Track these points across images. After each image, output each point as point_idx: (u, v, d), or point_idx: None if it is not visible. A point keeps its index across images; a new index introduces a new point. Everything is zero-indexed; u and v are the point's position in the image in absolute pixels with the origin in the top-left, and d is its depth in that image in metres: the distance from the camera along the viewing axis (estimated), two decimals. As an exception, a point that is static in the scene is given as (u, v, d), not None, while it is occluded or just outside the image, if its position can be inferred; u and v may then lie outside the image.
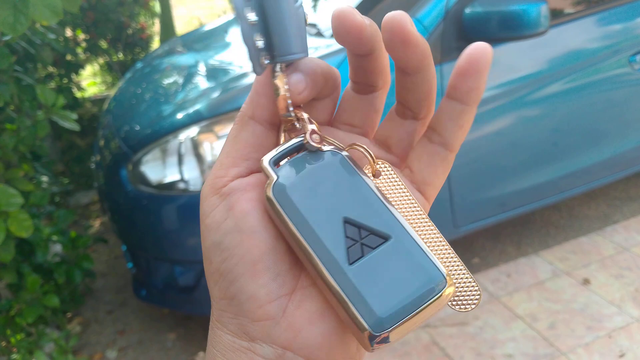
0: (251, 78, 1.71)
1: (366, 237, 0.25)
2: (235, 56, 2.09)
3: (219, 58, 2.14)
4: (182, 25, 6.51)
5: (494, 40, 1.69)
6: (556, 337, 1.76)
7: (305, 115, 0.28)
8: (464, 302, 0.27)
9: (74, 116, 1.65)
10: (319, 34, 1.94)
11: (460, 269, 0.27)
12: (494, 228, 2.31)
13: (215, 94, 1.71)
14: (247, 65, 1.85)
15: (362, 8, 1.91)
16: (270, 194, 0.26)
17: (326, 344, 0.25)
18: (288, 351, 0.25)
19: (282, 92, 0.26)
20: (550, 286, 1.99)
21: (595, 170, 2.12)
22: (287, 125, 0.28)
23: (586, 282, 1.99)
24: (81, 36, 3.44)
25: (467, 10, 1.64)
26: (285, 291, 0.26)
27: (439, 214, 1.82)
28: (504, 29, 1.59)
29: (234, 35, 2.33)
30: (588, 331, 1.77)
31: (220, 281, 0.26)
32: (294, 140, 0.28)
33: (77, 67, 3.15)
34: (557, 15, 1.85)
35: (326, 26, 1.98)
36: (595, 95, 1.96)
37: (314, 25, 2.03)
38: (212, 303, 0.27)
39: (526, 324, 1.82)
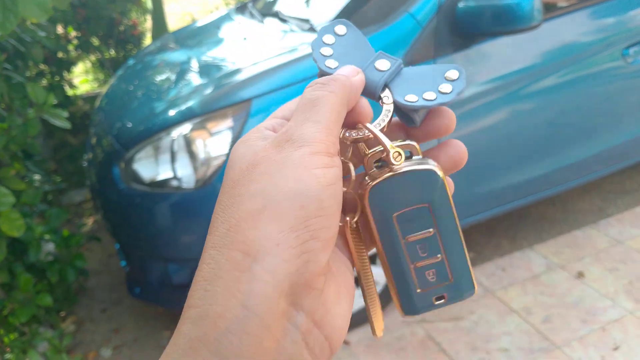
0: (245, 74, 1.70)
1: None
2: (228, 52, 2.08)
3: (211, 54, 2.13)
4: (175, 21, 6.48)
5: (487, 35, 1.68)
6: (551, 331, 1.76)
7: (379, 135, 0.32)
8: (377, 327, 0.35)
9: (65, 114, 1.64)
10: (312, 29, 1.93)
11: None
12: (489, 222, 2.32)
13: (208, 91, 1.69)
14: (239, 61, 1.84)
15: (354, 3, 1.91)
16: (366, 199, 0.32)
17: (344, 326, 0.29)
18: (315, 328, 0.27)
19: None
20: (544, 280, 1.99)
21: (589, 163, 2.12)
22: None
23: (580, 275, 2.00)
24: (72, 33, 3.42)
25: (461, 5, 1.63)
26: (329, 267, 0.28)
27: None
28: (497, 23, 1.59)
29: (227, 31, 2.32)
30: (583, 324, 1.78)
31: (300, 231, 0.25)
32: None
33: (68, 64, 3.13)
34: (550, 9, 1.85)
35: (319, 22, 1.97)
36: (588, 88, 1.96)
37: (306, 21, 2.02)
38: (264, 248, 0.25)
39: (521, 317, 1.83)
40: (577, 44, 1.88)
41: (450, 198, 0.32)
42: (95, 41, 3.50)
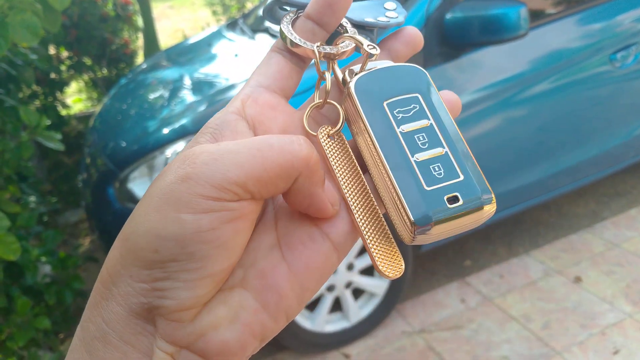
0: (239, 89, 1.71)
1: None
2: (220, 69, 2.09)
3: (204, 71, 2.14)
4: (166, 38, 6.51)
5: (475, 45, 1.70)
6: (550, 337, 1.76)
7: (355, 35, 0.31)
8: (389, 267, 0.28)
9: (59, 136, 1.64)
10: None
11: (390, 240, 0.29)
12: (485, 229, 2.32)
13: (201, 108, 1.70)
14: (231, 78, 1.85)
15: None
16: (352, 87, 0.29)
17: (224, 351, 0.25)
18: (184, 349, 0.24)
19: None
20: (542, 286, 2.00)
21: (583, 167, 2.13)
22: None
23: (578, 280, 2.00)
24: (64, 54, 3.43)
25: (448, 16, 1.65)
26: (207, 299, 0.25)
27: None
28: (485, 33, 1.61)
29: (219, 47, 2.33)
30: (582, 329, 1.78)
31: (154, 270, 0.23)
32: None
33: (61, 84, 3.14)
34: (538, 17, 1.87)
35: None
36: (579, 93, 1.98)
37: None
38: (115, 268, 0.24)
39: (520, 324, 1.83)
40: (566, 50, 1.90)
41: (441, 98, 0.30)
42: (88, 61, 3.51)
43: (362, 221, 0.29)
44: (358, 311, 1.83)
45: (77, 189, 2.84)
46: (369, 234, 0.29)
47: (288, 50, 0.31)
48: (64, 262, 1.84)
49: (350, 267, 1.79)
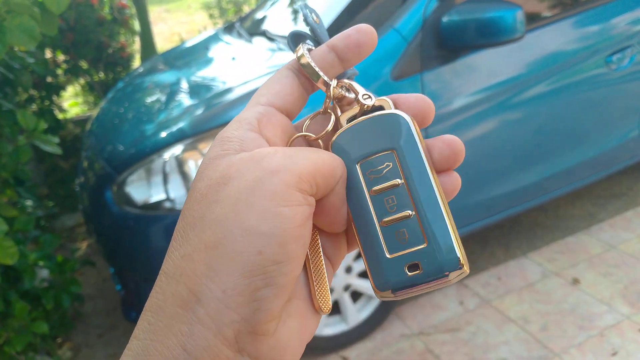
0: (234, 94, 1.71)
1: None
2: (218, 72, 2.09)
3: (201, 74, 2.14)
4: (163, 41, 6.51)
5: (472, 47, 1.71)
6: (549, 339, 1.77)
7: (353, 83, 0.32)
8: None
9: (56, 140, 1.64)
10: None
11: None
12: (482, 232, 2.33)
13: (199, 111, 1.70)
14: (229, 81, 1.85)
15: (340, 20, 1.93)
16: (332, 141, 0.30)
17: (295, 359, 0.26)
18: None
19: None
20: (540, 287, 2.00)
21: (579, 170, 2.14)
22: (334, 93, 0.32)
23: (575, 281, 2.01)
24: (61, 57, 3.42)
25: (445, 19, 1.66)
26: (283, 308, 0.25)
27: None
28: (482, 36, 1.61)
29: (216, 51, 2.33)
30: (580, 331, 1.78)
31: (254, 278, 0.23)
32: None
33: (57, 88, 3.13)
34: (534, 19, 1.88)
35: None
36: (575, 96, 1.99)
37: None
38: (200, 285, 0.23)
39: (519, 326, 1.83)
40: (562, 52, 1.91)
41: (422, 147, 0.29)
42: (84, 64, 3.51)
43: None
44: (356, 314, 1.83)
45: (73, 193, 2.83)
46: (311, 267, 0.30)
47: (302, 73, 0.32)
48: (61, 266, 1.83)
49: (348, 269, 1.79)
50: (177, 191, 1.57)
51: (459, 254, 0.27)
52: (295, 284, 0.27)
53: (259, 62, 1.98)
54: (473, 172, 1.87)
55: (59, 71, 3.41)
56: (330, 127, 0.32)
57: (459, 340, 1.80)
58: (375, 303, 1.85)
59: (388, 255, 0.27)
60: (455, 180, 0.30)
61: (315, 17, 0.34)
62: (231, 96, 1.70)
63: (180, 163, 1.59)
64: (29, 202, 1.99)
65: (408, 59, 1.67)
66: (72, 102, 4.42)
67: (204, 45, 2.51)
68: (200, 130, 1.61)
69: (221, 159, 0.26)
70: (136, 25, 4.12)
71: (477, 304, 1.95)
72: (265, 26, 2.31)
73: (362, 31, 0.30)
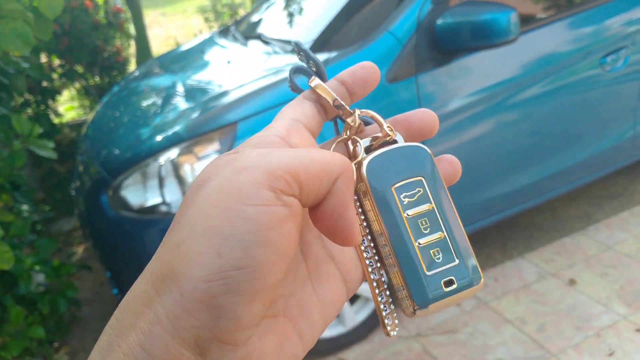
0: (230, 97, 1.71)
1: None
2: (213, 76, 2.09)
3: (197, 78, 2.14)
4: (159, 45, 6.51)
5: (466, 50, 1.71)
6: (546, 339, 1.77)
7: (374, 113, 0.33)
8: (392, 326, 0.32)
9: (51, 144, 1.63)
10: (294, 51, 1.94)
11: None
12: (479, 233, 2.33)
13: (195, 115, 1.70)
14: (224, 85, 1.85)
15: (335, 23, 1.93)
16: (363, 169, 0.31)
17: None
18: None
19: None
20: (537, 288, 2.01)
21: (575, 170, 2.15)
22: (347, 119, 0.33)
23: (572, 282, 2.01)
24: (56, 62, 3.42)
25: (439, 22, 1.66)
26: (260, 320, 0.24)
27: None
28: (476, 39, 1.62)
29: (211, 54, 2.34)
30: (577, 331, 1.79)
31: (213, 283, 0.21)
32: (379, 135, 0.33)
33: (53, 93, 3.13)
34: (529, 21, 1.88)
35: (301, 42, 1.99)
36: (570, 97, 2.00)
37: (289, 43, 2.04)
38: (162, 285, 0.22)
39: (516, 327, 1.83)
40: (556, 54, 1.91)
41: (442, 178, 0.32)
42: (80, 69, 3.50)
43: (373, 276, 0.32)
44: (354, 316, 1.83)
45: (70, 197, 2.83)
46: (377, 291, 0.32)
47: (318, 101, 0.33)
48: (57, 270, 1.83)
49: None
50: (172, 195, 1.57)
51: (481, 271, 0.31)
52: (285, 299, 0.26)
53: (254, 65, 1.98)
54: (469, 173, 1.87)
55: (55, 75, 3.40)
56: (361, 152, 0.33)
57: (457, 342, 1.81)
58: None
59: (427, 273, 0.30)
60: (456, 166, 0.34)
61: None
62: (226, 100, 1.70)
63: (175, 167, 1.58)
64: (24, 207, 1.98)
65: (403, 62, 1.67)
66: (68, 106, 4.42)
67: (200, 48, 2.51)
68: (196, 134, 1.60)
69: (217, 161, 0.26)
70: (131, 29, 4.12)
71: (474, 306, 1.96)
72: (260, 29, 2.31)
73: (366, 68, 0.33)
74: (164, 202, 1.57)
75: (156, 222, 1.56)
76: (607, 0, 2.01)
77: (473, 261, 0.31)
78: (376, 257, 0.32)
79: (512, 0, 1.86)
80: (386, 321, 0.32)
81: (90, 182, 1.80)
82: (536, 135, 1.98)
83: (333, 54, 1.71)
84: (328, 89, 0.32)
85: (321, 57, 1.73)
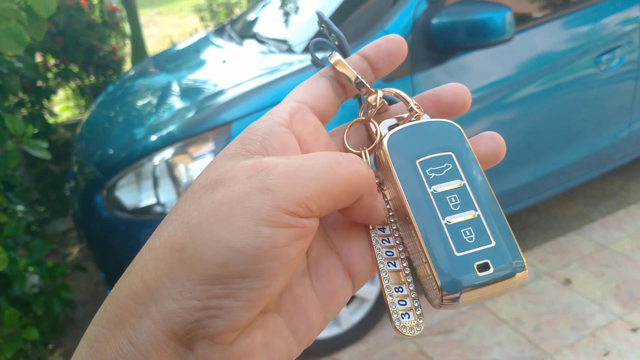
0: (225, 97, 1.70)
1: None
2: (208, 75, 2.08)
3: (192, 77, 2.13)
4: (155, 44, 6.49)
5: (462, 49, 1.71)
6: (541, 339, 1.77)
7: (398, 91, 0.31)
8: (405, 324, 0.28)
9: (45, 145, 1.63)
10: (290, 50, 1.94)
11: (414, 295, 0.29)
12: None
13: (190, 114, 1.70)
14: (219, 84, 1.84)
15: (332, 20, 1.92)
16: (385, 143, 0.29)
17: None
18: None
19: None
20: (532, 288, 2.01)
21: (571, 169, 2.15)
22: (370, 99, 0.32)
23: (568, 282, 2.01)
24: (51, 61, 3.40)
25: (434, 21, 1.66)
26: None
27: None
28: (471, 38, 1.61)
29: (207, 53, 2.33)
30: (572, 331, 1.79)
31: (214, 287, 0.22)
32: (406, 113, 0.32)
33: (48, 92, 3.12)
34: (525, 20, 1.88)
35: (297, 41, 1.98)
36: (566, 96, 2.00)
37: (284, 42, 2.03)
38: (158, 282, 0.22)
39: (511, 327, 1.83)
40: (552, 53, 1.91)
41: (475, 155, 0.30)
42: (75, 68, 3.49)
43: (390, 266, 0.29)
44: (349, 317, 1.82)
45: (64, 197, 2.82)
46: (387, 283, 0.29)
47: (337, 79, 0.31)
48: (52, 271, 1.82)
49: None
50: (167, 195, 1.56)
51: (522, 256, 0.27)
52: (280, 296, 0.26)
53: (249, 65, 1.97)
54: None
55: (50, 75, 3.39)
56: (378, 135, 0.31)
57: (452, 342, 1.80)
58: (368, 306, 1.85)
59: (457, 254, 0.26)
60: (501, 143, 0.32)
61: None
62: (221, 99, 1.70)
63: (170, 167, 1.58)
64: (19, 208, 1.97)
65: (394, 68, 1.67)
66: (63, 106, 4.40)
67: (195, 48, 2.50)
68: (190, 134, 1.60)
69: (228, 160, 0.25)
70: (127, 28, 4.11)
71: (469, 306, 1.95)
72: (256, 29, 2.30)
73: (391, 40, 0.31)
74: (158, 203, 1.56)
75: (151, 222, 1.55)
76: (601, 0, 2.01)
77: (514, 245, 0.27)
78: (400, 247, 0.29)
79: (507, 0, 1.85)
80: (402, 318, 0.28)
81: (85, 182, 1.79)
82: (532, 134, 1.98)
83: (328, 54, 1.70)
84: (348, 66, 0.30)
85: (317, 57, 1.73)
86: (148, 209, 1.56)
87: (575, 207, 2.52)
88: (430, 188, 0.28)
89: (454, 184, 0.28)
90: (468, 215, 0.27)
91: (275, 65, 1.84)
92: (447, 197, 0.27)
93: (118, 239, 1.61)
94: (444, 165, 0.28)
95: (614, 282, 1.99)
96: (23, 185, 2.38)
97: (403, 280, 0.29)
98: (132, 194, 1.59)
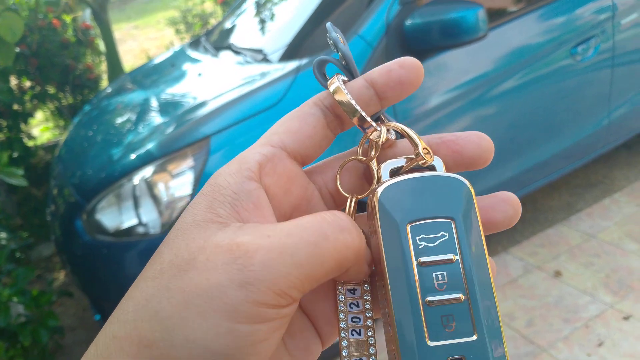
0: (201, 111, 1.68)
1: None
2: (184, 89, 2.06)
3: (169, 92, 2.11)
4: (133, 59, 6.44)
5: (437, 49, 1.70)
6: (535, 334, 1.77)
7: (406, 129, 0.28)
8: None
9: (20, 172, 1.60)
10: (266, 59, 1.93)
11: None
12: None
13: (168, 130, 1.67)
14: (195, 98, 1.82)
15: (305, 30, 1.91)
16: (377, 196, 0.25)
17: None
18: None
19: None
20: (523, 283, 2.00)
21: (555, 161, 2.15)
22: (372, 133, 0.28)
23: (558, 274, 2.01)
24: (27, 83, 3.36)
25: (408, 22, 1.65)
26: None
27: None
28: (445, 37, 1.61)
29: (183, 67, 2.30)
30: (565, 324, 1.78)
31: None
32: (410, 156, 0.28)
33: (25, 116, 3.07)
34: (500, 15, 1.88)
35: (272, 50, 1.97)
36: (545, 89, 2.00)
37: (259, 51, 2.01)
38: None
39: (505, 324, 1.82)
40: (528, 47, 1.92)
41: (481, 227, 0.25)
42: (51, 89, 3.44)
43: (353, 336, 0.26)
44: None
45: (47, 221, 2.78)
46: (346, 353, 0.26)
47: (333, 110, 0.28)
48: (37, 300, 1.79)
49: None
50: (149, 215, 1.54)
51: (507, 356, 0.24)
52: None
53: (226, 76, 1.95)
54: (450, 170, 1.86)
55: (26, 97, 3.34)
56: (375, 182, 0.28)
57: (447, 343, 1.79)
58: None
59: (429, 343, 0.23)
60: (492, 264, 0.27)
61: (342, 38, 0.30)
62: (199, 113, 1.68)
63: (150, 186, 1.55)
64: (2, 235, 1.94)
65: (374, 64, 1.66)
66: (43, 127, 4.35)
67: (171, 61, 2.47)
68: (168, 151, 1.58)
69: (200, 230, 0.23)
70: (102, 45, 4.07)
71: (462, 304, 1.95)
72: (231, 40, 2.28)
73: (406, 66, 0.27)
74: (140, 223, 1.54)
75: (134, 244, 1.53)
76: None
77: (498, 342, 0.23)
78: (368, 313, 0.26)
79: (479, -3, 1.86)
80: None
81: (64, 206, 1.76)
82: (514, 128, 1.98)
83: (304, 61, 1.69)
84: (348, 97, 0.27)
85: (292, 64, 1.71)
86: (130, 230, 1.54)
87: (561, 198, 2.53)
88: (416, 259, 0.24)
89: (446, 257, 0.24)
90: (453, 297, 0.24)
91: (251, 76, 1.82)
92: (434, 273, 0.24)
93: (101, 263, 1.58)
94: (439, 234, 0.25)
95: (604, 271, 1.99)
96: (4, 212, 2.34)
97: (366, 351, 0.26)
98: (113, 216, 1.56)
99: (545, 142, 2.09)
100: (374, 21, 1.68)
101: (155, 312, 0.21)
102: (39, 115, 4.16)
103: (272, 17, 2.27)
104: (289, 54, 1.85)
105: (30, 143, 3.21)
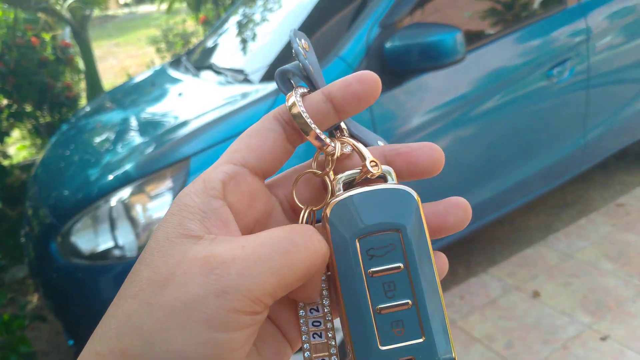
0: (181, 131, 1.67)
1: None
2: (165, 108, 2.05)
3: (148, 112, 2.09)
4: (114, 77, 6.41)
5: (417, 71, 1.72)
6: (514, 356, 1.77)
7: (356, 143, 0.29)
8: None
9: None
10: (247, 80, 1.93)
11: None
12: (442, 250, 2.33)
13: (149, 150, 1.65)
14: (175, 119, 1.81)
15: (286, 51, 1.92)
16: (327, 213, 0.27)
17: None
18: None
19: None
20: (502, 303, 2.01)
21: (532, 181, 2.18)
22: (326, 149, 0.28)
23: (536, 294, 2.02)
24: (3, 102, 3.31)
25: (388, 45, 1.67)
26: None
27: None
28: (424, 60, 1.63)
29: (163, 86, 2.29)
30: (544, 345, 1.79)
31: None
32: (358, 170, 0.29)
33: (1, 134, 3.03)
34: (478, 38, 1.91)
35: (253, 70, 1.97)
36: (522, 110, 2.03)
37: (240, 72, 2.02)
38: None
39: (484, 346, 1.82)
40: (505, 69, 1.95)
41: (427, 234, 0.27)
42: (29, 107, 3.40)
43: (314, 339, 0.28)
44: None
45: (22, 243, 2.72)
46: (309, 356, 0.28)
47: (291, 125, 0.28)
48: (8, 325, 1.74)
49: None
50: (125, 237, 1.51)
51: (454, 353, 0.26)
52: None
53: (206, 96, 1.95)
54: (428, 190, 1.87)
55: (2, 116, 3.29)
56: (329, 195, 0.29)
57: (427, 365, 1.78)
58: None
59: (380, 347, 0.25)
60: (443, 263, 0.29)
61: (304, 44, 0.30)
62: (178, 134, 1.66)
63: (127, 208, 1.53)
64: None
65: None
66: (20, 146, 4.28)
67: (151, 81, 2.46)
68: (147, 172, 1.56)
69: (175, 246, 0.23)
70: (81, 63, 4.04)
71: (442, 325, 1.94)
72: (212, 59, 2.28)
73: (363, 81, 0.27)
74: (116, 246, 1.51)
75: (109, 267, 1.50)
76: (549, 14, 2.07)
77: (444, 342, 0.25)
78: (329, 316, 0.28)
79: (457, 20, 1.88)
80: None
81: (39, 228, 1.72)
82: (491, 149, 2.00)
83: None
84: (304, 116, 0.27)
85: (273, 85, 1.72)
86: (106, 254, 1.51)
87: (538, 217, 2.56)
88: (366, 271, 0.26)
89: (394, 267, 0.26)
90: (401, 304, 0.26)
91: (232, 96, 1.82)
92: (383, 283, 0.26)
93: (75, 287, 1.54)
94: (387, 246, 0.26)
95: (581, 291, 2.01)
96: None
97: (327, 352, 0.28)
98: (89, 239, 1.53)
99: (522, 163, 2.12)
100: (354, 43, 1.70)
101: (137, 327, 0.22)
102: (16, 133, 4.09)
103: (253, 37, 2.28)
104: (270, 75, 1.85)
105: (5, 162, 3.16)
